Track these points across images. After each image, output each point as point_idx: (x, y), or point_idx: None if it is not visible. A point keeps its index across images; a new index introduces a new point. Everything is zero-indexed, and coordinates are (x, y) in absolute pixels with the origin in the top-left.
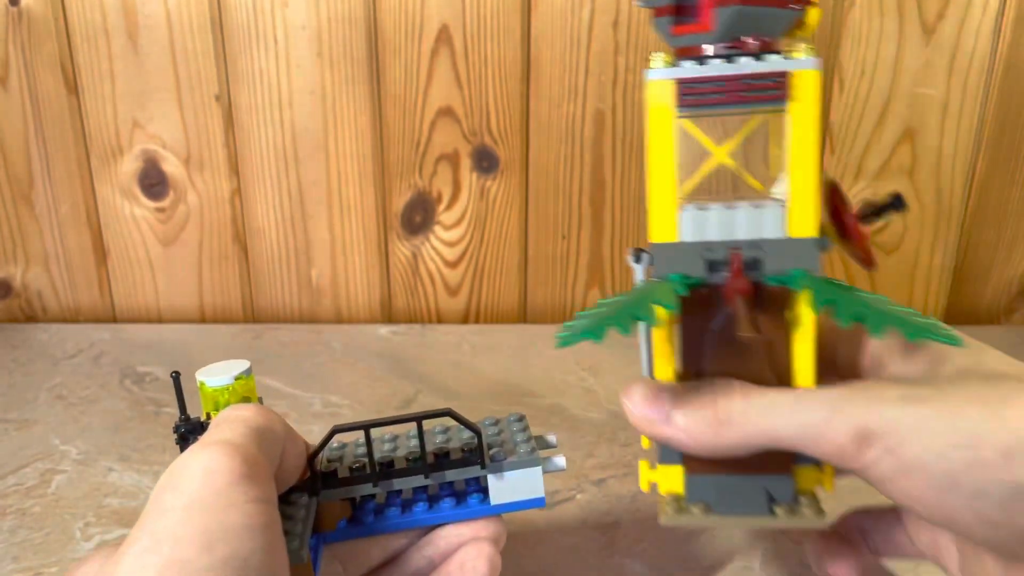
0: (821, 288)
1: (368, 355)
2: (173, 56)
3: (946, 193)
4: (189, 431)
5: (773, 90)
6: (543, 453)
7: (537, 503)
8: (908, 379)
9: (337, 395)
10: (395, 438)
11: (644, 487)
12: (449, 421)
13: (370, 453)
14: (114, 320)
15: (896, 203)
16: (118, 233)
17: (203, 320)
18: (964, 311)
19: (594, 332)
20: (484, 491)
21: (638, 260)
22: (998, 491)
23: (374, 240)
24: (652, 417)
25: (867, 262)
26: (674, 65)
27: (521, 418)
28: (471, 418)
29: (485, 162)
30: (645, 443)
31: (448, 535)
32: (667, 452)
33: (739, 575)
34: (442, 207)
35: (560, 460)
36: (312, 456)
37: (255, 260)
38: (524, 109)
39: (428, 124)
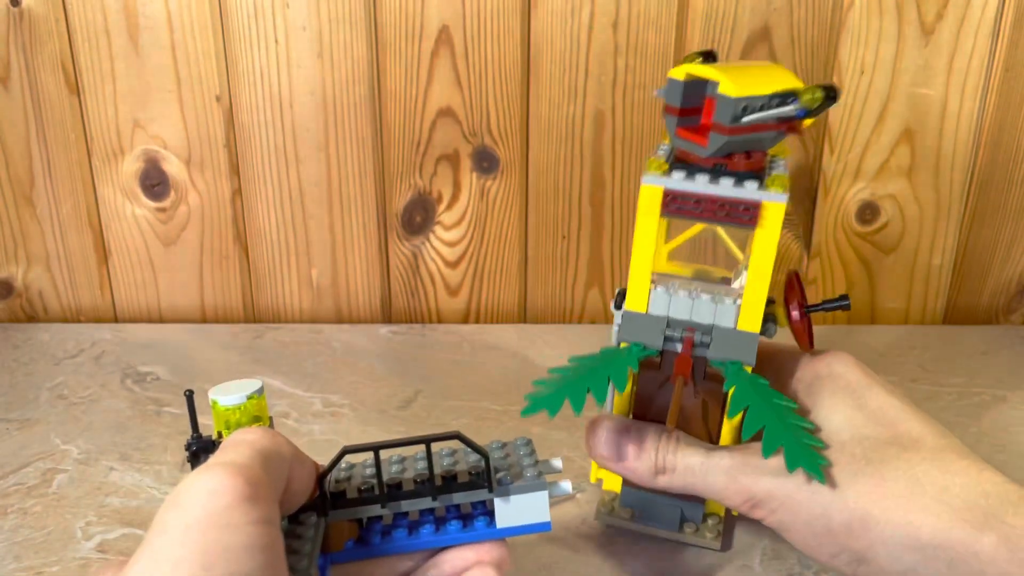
0: (743, 392)
1: (368, 355)
2: (174, 56)
3: (945, 193)
4: (201, 449)
5: (745, 216)
6: (549, 477)
7: (543, 527)
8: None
9: (338, 395)
10: (403, 459)
11: (592, 480)
12: (457, 443)
13: (379, 474)
14: (115, 320)
15: (842, 303)
16: (119, 233)
17: (204, 320)
18: (963, 311)
19: (551, 405)
20: (490, 514)
21: (617, 306)
22: (846, 554)
23: (374, 240)
24: (608, 455)
25: (804, 347)
26: (666, 174)
27: (528, 442)
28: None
29: (485, 162)
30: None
31: (453, 559)
32: None
33: (738, 574)
34: (442, 207)
35: (566, 485)
36: (322, 476)
37: (256, 260)
38: (524, 110)
39: (428, 124)
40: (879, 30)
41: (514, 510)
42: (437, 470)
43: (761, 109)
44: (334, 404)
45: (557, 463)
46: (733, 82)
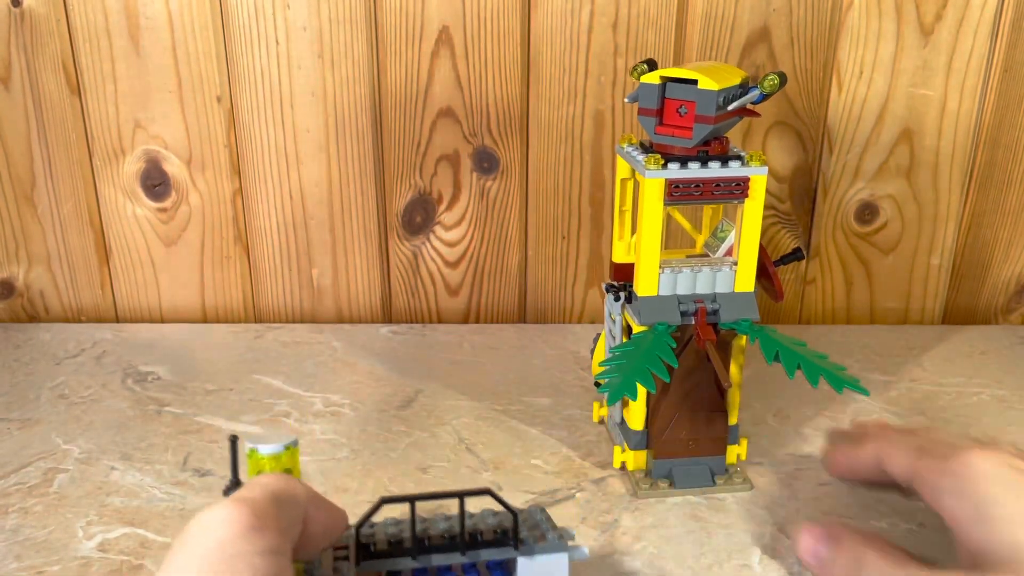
0: (768, 341)
1: (369, 355)
2: (175, 57)
3: (944, 193)
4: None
5: (737, 191)
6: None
7: None
8: None
9: (338, 394)
10: (425, 520)
11: (616, 465)
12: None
13: (413, 527)
14: (116, 320)
15: (796, 255)
16: (120, 233)
17: (205, 320)
18: (962, 311)
19: (630, 390)
20: (508, 573)
21: (617, 299)
22: None
23: (375, 240)
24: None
25: (777, 295)
26: (663, 167)
27: (543, 510)
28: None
29: (485, 163)
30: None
31: None
32: (637, 440)
33: (738, 573)
34: (442, 208)
35: (584, 550)
36: (359, 524)
37: (256, 260)
38: (524, 110)
39: (428, 125)
40: (878, 30)
41: (536, 570)
42: (468, 526)
43: (733, 99)
44: (334, 404)
45: (572, 531)
46: (709, 78)
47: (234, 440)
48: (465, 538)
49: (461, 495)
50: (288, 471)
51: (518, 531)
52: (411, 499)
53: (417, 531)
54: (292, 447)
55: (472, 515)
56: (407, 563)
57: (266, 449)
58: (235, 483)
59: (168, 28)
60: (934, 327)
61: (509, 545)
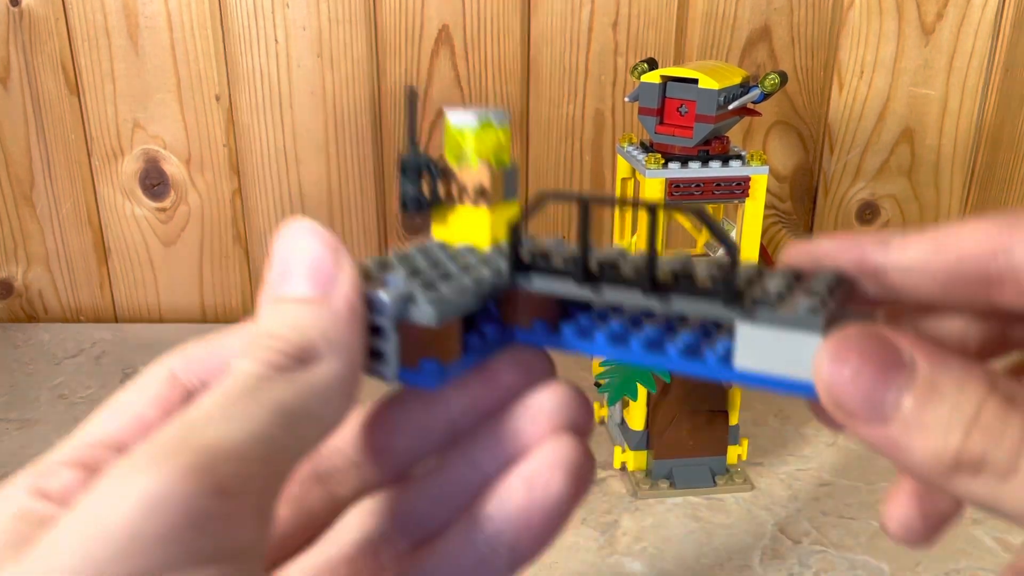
0: None
1: None
2: (174, 56)
3: (945, 193)
4: (411, 167)
5: (738, 190)
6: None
7: (804, 390)
8: None
9: None
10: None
11: (617, 466)
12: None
13: (584, 240)
14: (115, 320)
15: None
16: (119, 233)
17: (204, 320)
18: None
19: (630, 392)
20: (725, 346)
21: None
22: None
23: (374, 240)
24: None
25: None
26: (664, 167)
27: (839, 276)
28: None
29: None
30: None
31: (519, 421)
32: (637, 440)
33: (738, 574)
34: None
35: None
36: (517, 226)
37: (256, 260)
38: (524, 110)
39: (428, 124)
40: (879, 30)
41: (765, 348)
42: (666, 266)
43: (734, 98)
44: None
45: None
46: (710, 77)
47: (412, 93)
48: (658, 277)
49: (652, 207)
50: (498, 162)
51: (735, 278)
52: (583, 199)
53: (603, 257)
54: (491, 124)
55: (687, 259)
56: (571, 290)
57: (458, 119)
58: (415, 153)
59: (167, 27)
60: None
61: (718, 297)
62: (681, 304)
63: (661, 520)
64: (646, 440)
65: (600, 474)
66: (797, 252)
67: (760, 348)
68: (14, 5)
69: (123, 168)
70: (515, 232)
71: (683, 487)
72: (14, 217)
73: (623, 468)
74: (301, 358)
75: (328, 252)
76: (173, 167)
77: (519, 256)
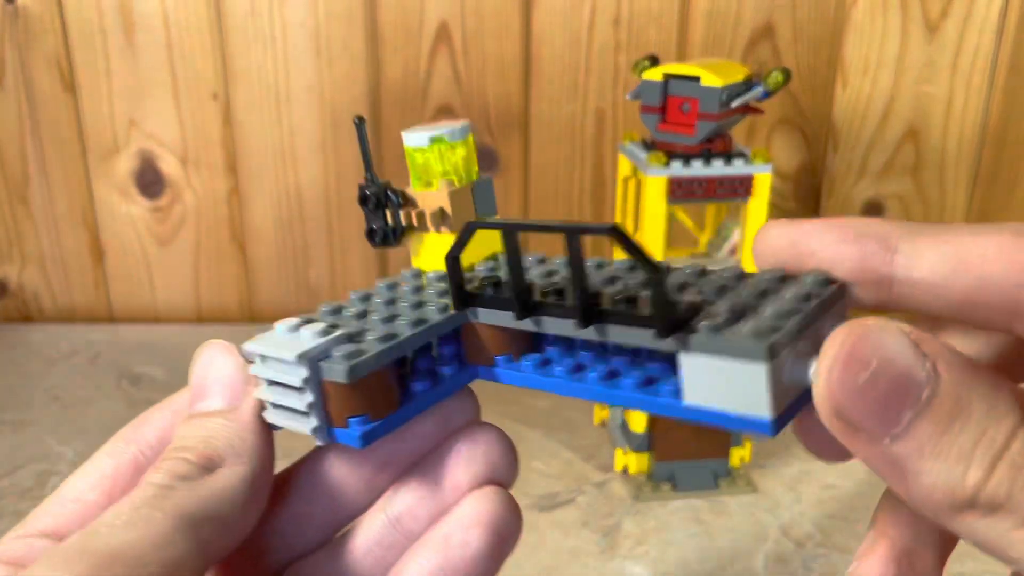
0: None
1: None
2: (170, 54)
3: (950, 192)
4: (372, 196)
5: (740, 189)
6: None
7: (758, 426)
8: None
9: None
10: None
11: (618, 468)
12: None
13: (515, 270)
14: (111, 320)
15: None
16: (114, 232)
17: (200, 320)
18: None
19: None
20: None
21: None
22: None
23: None
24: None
25: None
26: (666, 166)
27: (824, 280)
28: None
29: (485, 161)
30: (638, 427)
31: (433, 483)
32: (638, 442)
33: None
34: None
35: (812, 368)
36: (453, 255)
37: (253, 260)
38: (524, 108)
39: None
40: (883, 27)
41: (710, 380)
42: (602, 286)
43: (737, 96)
44: None
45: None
46: (712, 75)
47: (360, 121)
48: (586, 298)
49: (576, 230)
50: (456, 175)
51: (663, 301)
52: (507, 227)
53: (528, 277)
54: (445, 140)
55: (629, 272)
56: (509, 321)
57: (411, 140)
58: (370, 180)
59: (163, 25)
60: None
61: (649, 325)
62: (616, 334)
63: (663, 523)
64: (648, 442)
65: (601, 476)
66: (777, 244)
67: (705, 380)
68: (9, 3)
69: (118, 166)
70: (451, 263)
71: (685, 490)
72: (8, 216)
73: (625, 471)
74: (206, 466)
75: (238, 369)
76: (169, 165)
77: (462, 289)
